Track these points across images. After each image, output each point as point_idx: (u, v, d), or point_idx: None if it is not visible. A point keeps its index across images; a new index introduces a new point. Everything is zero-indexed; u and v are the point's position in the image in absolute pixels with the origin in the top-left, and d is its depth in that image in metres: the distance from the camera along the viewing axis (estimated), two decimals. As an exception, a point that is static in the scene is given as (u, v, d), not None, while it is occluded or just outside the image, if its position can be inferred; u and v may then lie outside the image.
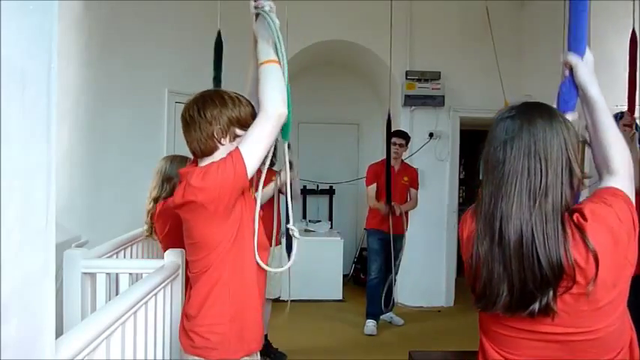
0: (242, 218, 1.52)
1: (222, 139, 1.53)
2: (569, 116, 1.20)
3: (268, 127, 1.45)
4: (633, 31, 3.17)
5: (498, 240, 1.07)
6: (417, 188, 4.56)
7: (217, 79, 2.69)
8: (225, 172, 1.42)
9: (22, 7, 0.81)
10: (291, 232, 1.67)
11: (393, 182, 4.30)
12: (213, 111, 1.52)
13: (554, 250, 1.02)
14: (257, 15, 1.60)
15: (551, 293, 1.02)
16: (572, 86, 1.27)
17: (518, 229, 1.05)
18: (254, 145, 1.45)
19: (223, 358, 1.51)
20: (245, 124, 1.55)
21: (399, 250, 4.49)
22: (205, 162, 1.54)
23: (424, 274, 5.15)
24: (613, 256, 1.02)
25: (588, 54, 1.26)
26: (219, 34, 2.77)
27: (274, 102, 1.45)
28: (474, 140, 6.84)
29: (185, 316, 1.59)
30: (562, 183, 1.06)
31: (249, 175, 1.46)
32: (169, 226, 2.41)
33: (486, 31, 4.23)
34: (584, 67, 1.24)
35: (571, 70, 1.26)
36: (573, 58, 1.26)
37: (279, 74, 1.51)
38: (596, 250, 1.01)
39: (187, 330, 1.56)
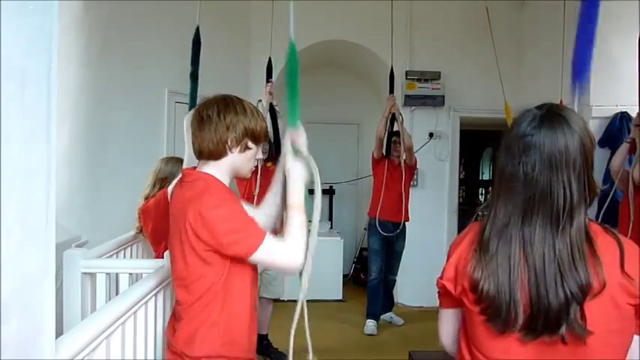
0: (231, 266, 1.46)
1: (234, 148, 1.51)
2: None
3: (279, 262, 1.45)
4: None
5: (525, 263, 1.03)
6: (413, 154, 4.52)
7: (194, 76, 2.68)
8: (238, 236, 1.39)
9: (22, 7, 0.81)
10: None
11: (392, 177, 4.34)
12: (233, 118, 1.50)
13: (582, 275, 0.99)
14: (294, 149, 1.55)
15: (578, 312, 1.00)
16: None
17: (541, 255, 1.02)
18: (261, 254, 1.41)
19: None
20: (258, 138, 1.55)
21: (399, 250, 4.49)
22: (209, 166, 1.52)
23: (424, 274, 5.12)
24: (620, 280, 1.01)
25: None
26: (197, 30, 2.76)
27: (299, 252, 1.44)
28: (473, 140, 6.85)
29: (169, 347, 1.53)
30: (584, 201, 1.04)
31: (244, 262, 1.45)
32: (152, 225, 2.46)
33: (486, 31, 4.22)
34: None
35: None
36: None
37: (305, 226, 1.48)
38: (603, 263, 1.00)
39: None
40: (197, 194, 1.43)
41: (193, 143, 1.54)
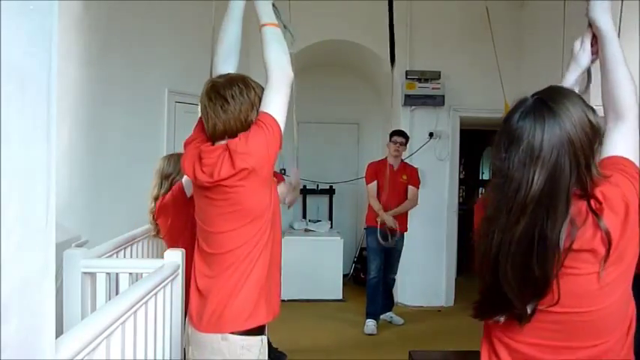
0: (273, 203, 1.58)
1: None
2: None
3: (286, 91, 1.55)
4: None
5: (498, 259, 1.04)
6: (417, 186, 4.54)
7: None
8: (267, 134, 1.49)
9: (22, 7, 0.81)
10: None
11: (392, 180, 4.29)
12: (254, 95, 1.56)
13: (534, 283, 0.99)
14: None
15: (531, 307, 1.02)
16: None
17: (501, 253, 1.02)
18: (280, 109, 1.53)
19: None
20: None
21: (398, 250, 4.50)
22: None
23: (424, 274, 5.15)
24: (622, 233, 0.99)
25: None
26: None
27: (286, 67, 1.55)
28: (473, 140, 6.84)
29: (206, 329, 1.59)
30: (558, 203, 0.99)
31: None
32: (171, 220, 2.43)
33: (486, 31, 4.23)
34: (597, 3, 1.22)
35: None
36: None
37: (282, 37, 1.60)
38: (609, 230, 0.97)
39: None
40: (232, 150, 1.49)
41: (215, 124, 1.54)
